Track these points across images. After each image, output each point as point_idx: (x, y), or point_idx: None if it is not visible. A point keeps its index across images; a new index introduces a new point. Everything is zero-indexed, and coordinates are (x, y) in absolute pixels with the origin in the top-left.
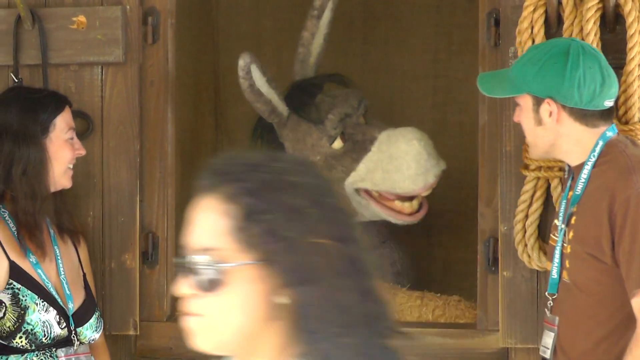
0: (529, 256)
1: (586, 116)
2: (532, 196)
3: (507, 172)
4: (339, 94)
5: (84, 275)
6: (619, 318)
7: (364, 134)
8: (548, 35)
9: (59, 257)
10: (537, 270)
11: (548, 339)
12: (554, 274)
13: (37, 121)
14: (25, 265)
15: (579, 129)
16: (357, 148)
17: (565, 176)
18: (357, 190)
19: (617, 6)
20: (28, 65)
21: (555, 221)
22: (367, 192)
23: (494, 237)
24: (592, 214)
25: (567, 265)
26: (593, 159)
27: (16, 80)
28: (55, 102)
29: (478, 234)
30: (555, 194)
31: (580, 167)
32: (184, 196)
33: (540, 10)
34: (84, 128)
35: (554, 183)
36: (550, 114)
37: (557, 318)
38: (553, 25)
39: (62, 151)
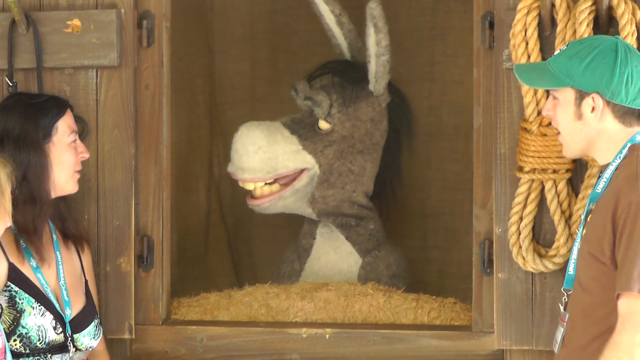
0: (524, 258)
1: (626, 114)
2: (527, 198)
3: (501, 175)
4: (314, 97)
5: (86, 282)
6: (613, 319)
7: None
8: (541, 38)
9: (60, 263)
10: (532, 272)
11: (558, 333)
12: (571, 270)
13: (38, 126)
14: (25, 268)
15: (616, 127)
16: None
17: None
18: None
19: (610, 8)
20: (23, 69)
21: (582, 216)
22: None
23: (489, 239)
24: (600, 216)
25: (576, 261)
26: (618, 160)
27: (10, 84)
28: (57, 106)
29: (473, 236)
30: (549, 195)
31: (606, 166)
32: (179, 199)
33: (534, 13)
34: (79, 131)
35: (548, 185)
36: (593, 109)
37: (567, 315)
38: (547, 27)
39: (65, 155)
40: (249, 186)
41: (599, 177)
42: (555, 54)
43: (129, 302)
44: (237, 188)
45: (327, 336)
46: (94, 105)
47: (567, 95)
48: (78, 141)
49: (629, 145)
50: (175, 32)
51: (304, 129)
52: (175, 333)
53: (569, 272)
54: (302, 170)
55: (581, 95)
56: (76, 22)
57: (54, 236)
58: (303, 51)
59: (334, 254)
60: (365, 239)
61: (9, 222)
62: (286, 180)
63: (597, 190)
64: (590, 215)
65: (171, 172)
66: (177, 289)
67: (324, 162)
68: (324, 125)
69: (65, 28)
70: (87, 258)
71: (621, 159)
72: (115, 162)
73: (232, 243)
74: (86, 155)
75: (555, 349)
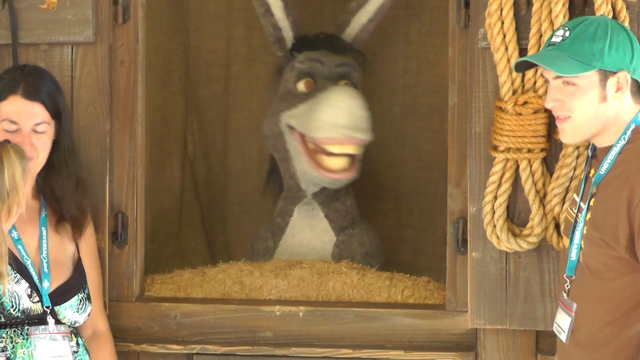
0: (498, 237)
1: (638, 91)
2: (501, 177)
3: (476, 154)
4: (348, 64)
5: (79, 259)
6: (626, 307)
7: (325, 87)
8: (517, 17)
9: (43, 238)
10: (506, 252)
11: (564, 320)
12: (573, 255)
13: None
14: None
15: (630, 105)
16: (312, 96)
17: (589, 154)
18: (291, 129)
19: None
20: None
21: (575, 196)
22: (301, 138)
23: (463, 218)
24: (611, 202)
25: (582, 247)
26: (622, 142)
27: None
28: (6, 87)
29: (447, 215)
30: (524, 175)
31: (608, 149)
32: (153, 177)
33: None
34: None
35: (523, 164)
36: (617, 88)
37: (574, 304)
38: (522, 7)
39: None
40: (352, 150)
41: (594, 157)
42: (557, 40)
43: (103, 278)
44: (212, 165)
45: (301, 314)
46: (69, 82)
47: (590, 79)
48: (17, 133)
49: (632, 126)
50: (150, 9)
51: None
52: (149, 310)
53: (572, 258)
54: None
55: (606, 76)
56: None
57: (43, 213)
58: None
59: (309, 231)
60: (342, 215)
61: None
62: None
63: (600, 172)
64: (593, 199)
65: (145, 150)
66: (150, 266)
67: None
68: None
69: (41, 4)
70: (86, 239)
71: (625, 140)
72: (90, 138)
73: (206, 221)
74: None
75: (563, 338)
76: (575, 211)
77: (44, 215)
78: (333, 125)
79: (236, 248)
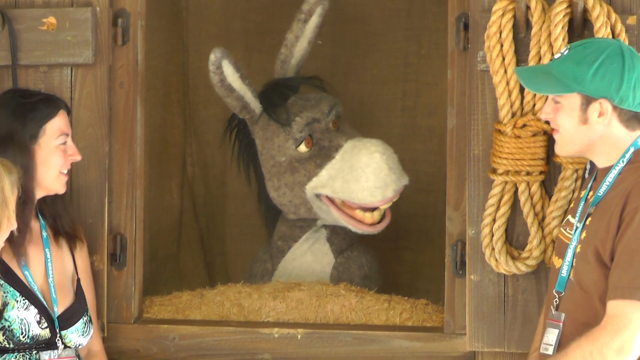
0: (497, 260)
1: (630, 119)
2: (500, 200)
3: (475, 176)
4: (312, 98)
5: (78, 280)
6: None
7: (331, 140)
8: (516, 40)
9: (49, 260)
10: (505, 274)
11: (552, 336)
12: (564, 272)
13: (25, 127)
14: (13, 264)
15: (621, 132)
16: (322, 154)
17: (587, 175)
18: (318, 196)
19: (585, 11)
20: None
21: (570, 217)
22: (329, 198)
23: (462, 241)
24: (606, 219)
25: (574, 265)
26: (621, 164)
27: None
28: (47, 107)
29: (446, 238)
30: (522, 197)
31: (607, 170)
32: (152, 198)
33: (509, 15)
34: None
35: (522, 187)
36: (599, 114)
37: (563, 315)
38: (521, 29)
39: (51, 157)
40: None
41: (594, 179)
42: (555, 57)
43: (101, 300)
44: (211, 187)
45: (299, 336)
46: (68, 103)
47: (572, 100)
48: (69, 143)
49: (632, 149)
50: (150, 31)
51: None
52: (148, 332)
53: (562, 275)
54: None
55: (588, 101)
56: (52, 19)
57: (44, 233)
58: (277, 51)
59: (310, 255)
60: (341, 238)
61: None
62: None
63: (598, 194)
64: (590, 219)
65: (145, 171)
66: (149, 287)
67: None
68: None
69: (40, 26)
70: (81, 257)
71: (624, 163)
72: (89, 160)
73: (204, 242)
74: (77, 158)
75: (549, 352)
76: (571, 232)
77: (45, 236)
78: (382, 188)
79: (235, 269)
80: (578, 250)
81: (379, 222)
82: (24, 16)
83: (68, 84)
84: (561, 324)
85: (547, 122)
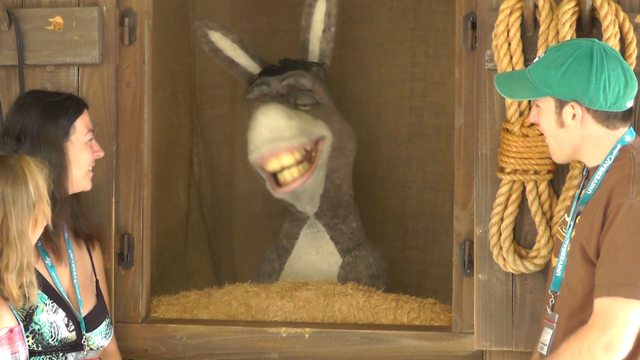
0: (504, 259)
1: (608, 118)
2: (508, 199)
3: (482, 175)
4: (292, 74)
5: (97, 281)
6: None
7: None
8: (524, 39)
9: (72, 262)
10: (513, 273)
11: (547, 335)
12: (559, 272)
13: (58, 125)
14: (39, 266)
15: (601, 132)
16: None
17: (584, 175)
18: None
19: (593, 10)
20: (4, 65)
21: (566, 216)
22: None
23: (470, 240)
24: (591, 217)
25: (566, 264)
26: (609, 162)
27: None
28: (75, 104)
29: (454, 237)
30: (530, 197)
31: (596, 168)
32: (159, 198)
33: (517, 14)
34: None
35: (529, 186)
36: (574, 116)
37: (557, 315)
38: (529, 28)
39: (82, 153)
40: (285, 160)
41: (586, 178)
42: (534, 61)
43: (109, 299)
44: (218, 186)
45: (307, 336)
46: None
47: (548, 104)
48: (93, 140)
49: (618, 146)
50: (156, 31)
51: (295, 106)
52: (155, 331)
53: (557, 274)
54: (320, 141)
55: (561, 104)
56: (58, 19)
57: (66, 235)
58: (284, 51)
59: (315, 254)
60: (348, 237)
61: (48, 224)
62: (309, 157)
63: (587, 192)
64: (579, 217)
65: (152, 171)
66: (156, 287)
67: (334, 129)
68: (307, 100)
69: (47, 25)
70: (97, 257)
71: (612, 160)
72: (96, 159)
73: (211, 242)
74: (101, 154)
75: (544, 351)
76: (566, 230)
77: (67, 237)
78: (256, 146)
79: (242, 269)
80: (568, 249)
81: (292, 182)
82: (30, 16)
83: (75, 83)
84: (554, 324)
85: None
